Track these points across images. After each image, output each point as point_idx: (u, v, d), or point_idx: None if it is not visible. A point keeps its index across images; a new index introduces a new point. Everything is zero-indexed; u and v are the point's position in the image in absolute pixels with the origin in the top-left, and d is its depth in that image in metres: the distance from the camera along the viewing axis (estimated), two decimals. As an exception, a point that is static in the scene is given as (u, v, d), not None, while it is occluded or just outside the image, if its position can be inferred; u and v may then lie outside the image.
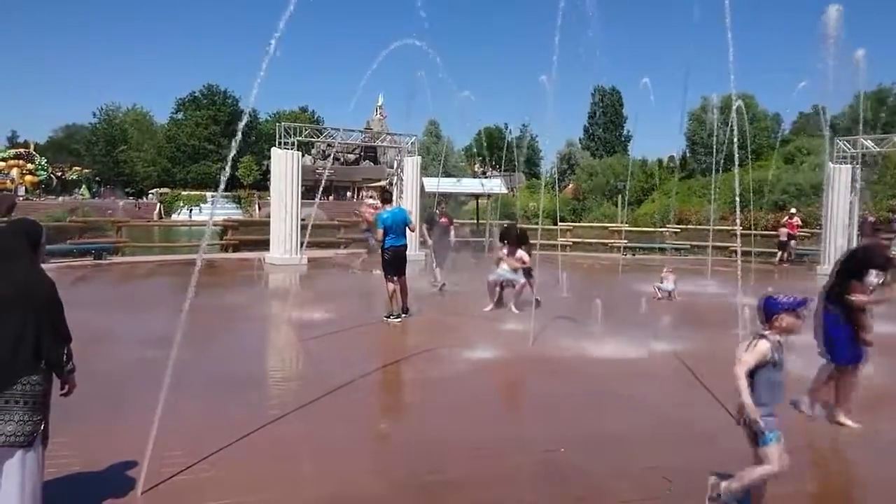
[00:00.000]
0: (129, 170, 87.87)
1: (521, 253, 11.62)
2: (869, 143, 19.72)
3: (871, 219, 21.33)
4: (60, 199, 66.61)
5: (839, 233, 18.79)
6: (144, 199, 70.47)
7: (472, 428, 5.80)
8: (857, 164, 19.42)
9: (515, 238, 11.86)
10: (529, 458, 5.16)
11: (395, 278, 10.58)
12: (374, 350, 9.14)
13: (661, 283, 13.58)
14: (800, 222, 22.45)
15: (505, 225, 12.95)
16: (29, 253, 3.56)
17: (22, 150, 77.03)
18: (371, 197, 16.56)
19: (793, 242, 22.39)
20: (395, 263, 10.54)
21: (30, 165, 73.80)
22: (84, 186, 78.67)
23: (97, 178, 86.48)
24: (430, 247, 14.80)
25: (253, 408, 6.11)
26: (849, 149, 19.41)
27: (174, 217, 62.57)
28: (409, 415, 6.65)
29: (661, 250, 24.57)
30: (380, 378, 7.69)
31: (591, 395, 7.05)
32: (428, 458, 5.13)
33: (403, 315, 10.66)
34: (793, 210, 23.27)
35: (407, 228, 10.86)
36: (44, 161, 76.52)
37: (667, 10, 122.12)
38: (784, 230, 22.13)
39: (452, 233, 15.51)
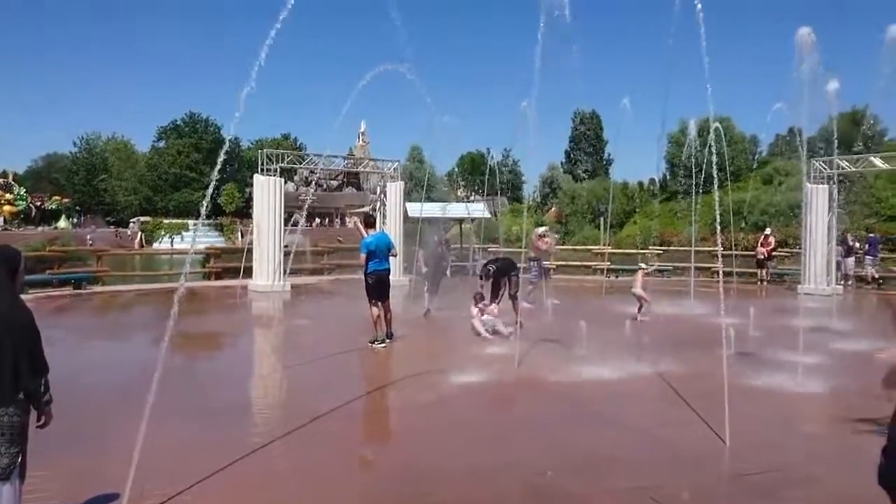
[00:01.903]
0: (111, 199, 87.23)
1: (492, 307, 11.69)
2: (844, 164, 20.09)
3: (850, 237, 21.68)
4: (40, 228, 65.84)
5: (819, 252, 19.06)
6: (129, 231, 69.62)
7: (459, 452, 5.75)
8: (834, 183, 19.77)
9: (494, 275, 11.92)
10: (518, 480, 5.11)
11: (379, 303, 10.54)
12: (360, 376, 9.07)
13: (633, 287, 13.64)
14: (773, 242, 22.79)
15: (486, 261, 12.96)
16: (7, 282, 3.51)
17: (0, 179, 76.28)
18: (544, 233, 16.14)
19: (770, 262, 22.74)
20: (378, 288, 10.51)
21: (8, 195, 73.00)
22: (63, 216, 77.81)
23: (77, 208, 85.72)
24: (424, 273, 14.72)
25: (237, 436, 6.02)
26: (825, 169, 19.75)
27: (156, 245, 62.09)
28: (396, 440, 6.58)
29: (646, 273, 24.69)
30: (365, 404, 7.62)
31: (577, 416, 7.02)
32: (416, 484, 5.07)
33: (388, 340, 10.61)
34: (767, 230, 23.62)
35: (390, 253, 10.87)
36: (23, 191, 75.79)
37: (644, 35, 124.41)
38: (762, 249, 22.48)
39: (449, 259, 15.27)
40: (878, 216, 29.84)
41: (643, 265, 14.28)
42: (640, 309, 13.39)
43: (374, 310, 10.54)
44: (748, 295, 17.60)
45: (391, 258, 10.96)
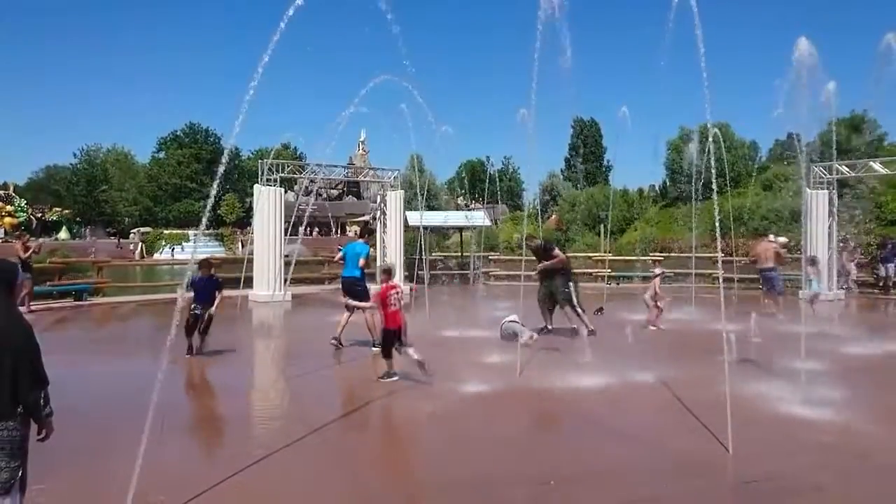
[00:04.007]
0: (111, 209, 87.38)
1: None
2: (844, 169, 20.09)
3: (852, 244, 21.64)
4: (40, 240, 65.91)
5: (820, 257, 19.00)
6: (131, 245, 69.61)
7: (461, 462, 5.72)
8: (833, 189, 19.77)
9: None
10: (520, 491, 5.08)
11: (354, 309, 10.79)
12: (361, 386, 9.02)
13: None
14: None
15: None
16: (4, 296, 3.50)
17: (1, 191, 76.48)
18: (773, 239, 15.63)
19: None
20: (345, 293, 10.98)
21: (9, 207, 73.18)
22: (64, 228, 77.88)
23: (78, 219, 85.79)
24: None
25: (238, 448, 5.99)
26: (825, 175, 19.76)
27: (156, 256, 62.10)
28: (398, 451, 6.55)
29: (645, 279, 24.67)
30: (367, 414, 7.59)
31: (580, 426, 6.99)
32: (417, 494, 5.05)
33: (374, 348, 10.62)
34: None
35: (360, 261, 11.16)
36: (23, 203, 75.94)
37: (642, 41, 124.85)
38: (765, 255, 22.45)
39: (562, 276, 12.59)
40: (878, 221, 29.86)
41: (656, 270, 14.21)
42: (656, 315, 13.54)
43: (345, 314, 11.00)
44: (749, 301, 17.55)
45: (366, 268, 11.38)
